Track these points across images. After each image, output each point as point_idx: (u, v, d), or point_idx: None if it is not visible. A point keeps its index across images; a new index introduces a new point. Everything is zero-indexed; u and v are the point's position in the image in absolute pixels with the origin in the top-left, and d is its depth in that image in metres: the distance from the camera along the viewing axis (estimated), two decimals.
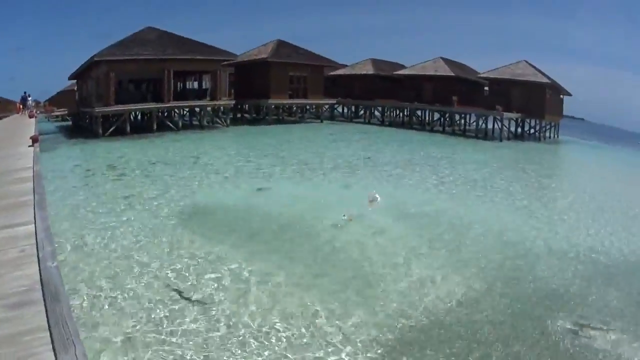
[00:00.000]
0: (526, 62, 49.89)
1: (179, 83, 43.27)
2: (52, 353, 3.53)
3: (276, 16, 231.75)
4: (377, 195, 16.71)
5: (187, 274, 10.32)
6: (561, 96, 53.89)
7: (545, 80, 46.82)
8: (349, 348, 7.83)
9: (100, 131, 32.81)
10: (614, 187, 28.22)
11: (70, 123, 46.14)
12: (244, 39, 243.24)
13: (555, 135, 56.09)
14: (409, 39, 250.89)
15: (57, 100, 54.49)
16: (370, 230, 14.02)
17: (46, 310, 4.18)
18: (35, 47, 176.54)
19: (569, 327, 8.88)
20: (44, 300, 4.37)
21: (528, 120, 50.97)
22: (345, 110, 60.79)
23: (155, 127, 36.02)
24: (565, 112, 59.21)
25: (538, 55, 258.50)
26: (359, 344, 7.95)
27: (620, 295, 10.47)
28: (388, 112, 59.62)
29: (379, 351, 7.77)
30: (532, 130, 52.22)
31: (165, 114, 38.48)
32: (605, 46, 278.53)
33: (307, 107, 52.94)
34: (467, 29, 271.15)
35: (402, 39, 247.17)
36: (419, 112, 56.22)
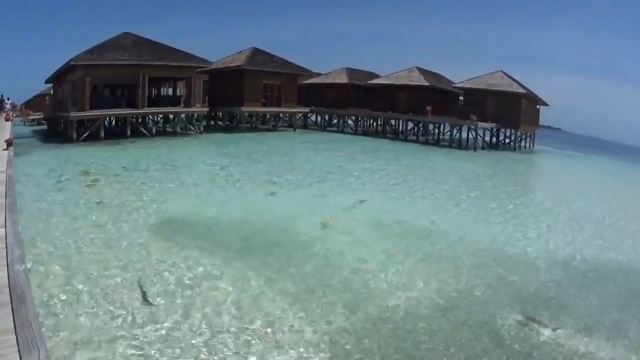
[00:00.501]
0: (502, 72, 51.71)
1: (153, 89, 43.79)
2: (18, 355, 3.62)
3: (253, 24, 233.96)
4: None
5: (154, 279, 10.72)
6: (537, 106, 55.85)
7: (521, 90, 48.56)
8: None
9: (75, 136, 33.18)
10: (585, 195, 29.83)
11: (45, 127, 46.25)
12: (219, 47, 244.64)
13: (531, 145, 58.07)
14: (385, 48, 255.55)
15: (34, 103, 54.39)
16: (342, 235, 14.94)
17: (12, 313, 4.28)
18: (13, 49, 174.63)
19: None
20: (11, 303, 4.47)
21: (503, 130, 52.63)
22: (319, 119, 61.88)
23: (129, 133, 36.47)
24: (542, 122, 61.56)
25: (516, 66, 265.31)
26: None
27: (591, 298, 11.48)
28: (361, 121, 60.84)
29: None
30: (507, 140, 53.89)
31: (139, 120, 38.98)
32: (584, 57, 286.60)
33: (281, 115, 53.82)
34: (446, 40, 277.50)
35: (379, 48, 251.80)
36: (392, 122, 57.54)
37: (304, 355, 8.02)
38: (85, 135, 33.74)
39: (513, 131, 52.85)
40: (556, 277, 12.69)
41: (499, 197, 24.90)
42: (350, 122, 61.39)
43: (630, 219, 22.07)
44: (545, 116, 77.97)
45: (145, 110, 38.16)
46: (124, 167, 24.62)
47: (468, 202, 22.59)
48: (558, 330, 9.60)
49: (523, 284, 12.05)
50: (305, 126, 58.73)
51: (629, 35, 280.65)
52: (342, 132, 57.78)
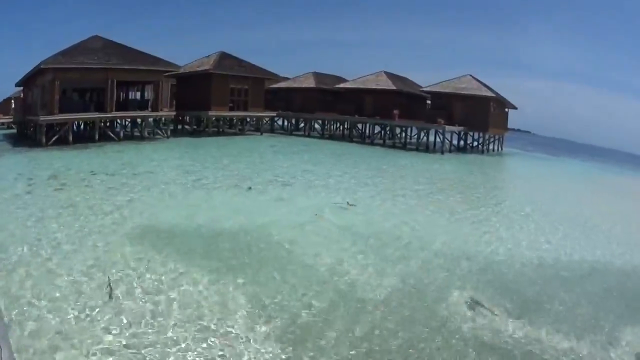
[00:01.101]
0: (471, 76, 53.68)
1: (121, 93, 44.41)
2: None
3: (222, 29, 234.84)
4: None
5: (121, 282, 11.18)
6: (506, 110, 58.00)
7: (489, 94, 50.56)
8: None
9: (44, 140, 33.72)
10: (546, 195, 32.10)
11: (15, 131, 46.41)
12: (187, 51, 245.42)
13: (500, 148, 60.37)
14: (353, 53, 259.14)
15: (3, 106, 54.34)
16: (312, 236, 16.06)
17: None
18: None
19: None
20: None
21: (471, 133, 54.59)
22: (286, 123, 63.11)
23: (97, 137, 37.10)
24: (511, 125, 64.09)
25: (486, 70, 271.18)
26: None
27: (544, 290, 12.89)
28: (328, 125, 62.26)
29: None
30: (475, 143, 55.92)
31: (108, 124, 39.67)
32: (554, 61, 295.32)
33: (248, 119, 54.90)
34: (415, 45, 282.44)
35: (347, 53, 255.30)
36: (359, 126, 59.08)
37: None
38: (54, 139, 34.29)
39: (481, 134, 54.87)
40: (508, 273, 14.05)
41: (459, 197, 26.88)
42: (317, 126, 62.80)
43: (595, 219, 24.12)
44: (515, 119, 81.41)
45: (114, 114, 38.83)
46: (92, 172, 25.07)
47: (430, 202, 24.17)
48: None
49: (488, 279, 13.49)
50: (272, 130, 60.01)
51: (597, 40, 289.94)
52: (309, 136, 59.21)
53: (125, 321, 9.29)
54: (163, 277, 11.54)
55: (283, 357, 8.55)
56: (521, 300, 11.97)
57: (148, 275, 11.58)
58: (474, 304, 11.41)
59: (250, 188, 23.07)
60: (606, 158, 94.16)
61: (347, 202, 20.90)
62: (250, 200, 21.17)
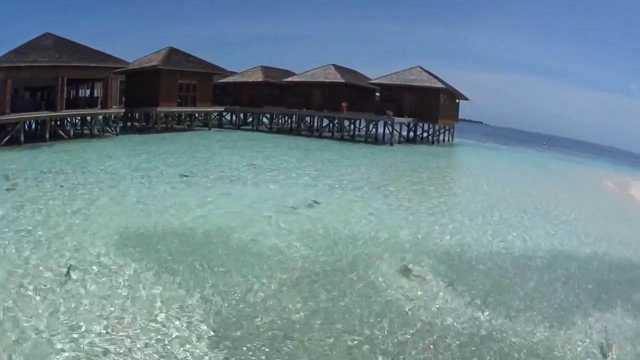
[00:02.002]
0: (421, 68, 56.10)
1: (71, 91, 44.65)
2: None
3: (171, 24, 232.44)
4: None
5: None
6: (457, 100, 60.63)
7: (439, 85, 52.98)
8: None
9: None
10: (488, 184, 35.23)
11: None
12: (137, 47, 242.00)
13: (450, 138, 63.28)
14: (303, 47, 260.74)
15: None
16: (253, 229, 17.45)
17: None
18: None
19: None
20: None
21: (421, 125, 56.93)
22: (234, 117, 64.17)
23: (48, 136, 37.50)
24: (463, 116, 67.18)
25: (438, 63, 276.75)
26: None
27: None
28: (276, 119, 63.66)
29: None
30: (425, 134, 58.36)
31: (58, 122, 40.06)
32: (507, 54, 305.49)
33: (196, 114, 55.80)
34: (366, 38, 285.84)
35: (296, 47, 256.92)
36: (307, 119, 60.73)
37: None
38: (6, 139, 34.56)
39: (431, 125, 57.33)
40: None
41: (401, 185, 30.10)
42: (265, 120, 64.14)
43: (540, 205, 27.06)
44: (468, 110, 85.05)
45: (64, 112, 39.31)
46: (42, 171, 25.69)
47: (370, 192, 26.62)
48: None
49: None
50: (220, 125, 61.10)
51: (548, 31, 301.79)
52: (257, 130, 60.62)
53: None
54: (106, 269, 12.70)
55: None
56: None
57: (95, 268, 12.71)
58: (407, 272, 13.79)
59: (184, 175, 25.33)
60: (560, 147, 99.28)
61: (314, 201, 22.21)
62: (194, 195, 22.45)
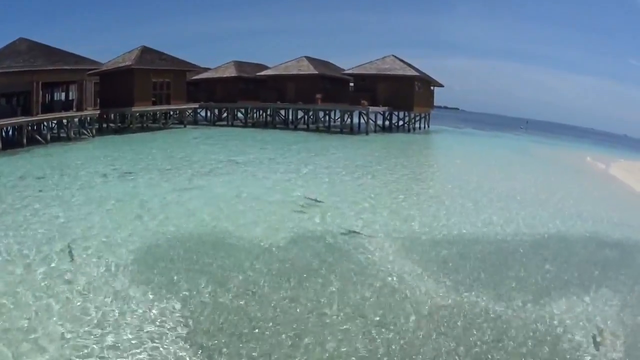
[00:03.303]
0: (394, 56, 56.95)
1: (47, 94, 44.74)
2: None
3: (143, 24, 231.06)
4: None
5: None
6: (432, 88, 61.72)
7: (413, 73, 54.00)
8: None
9: None
10: (464, 170, 36.44)
11: None
12: (110, 48, 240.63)
13: (426, 126, 64.54)
14: (276, 40, 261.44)
15: None
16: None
17: None
18: None
19: None
20: None
21: (396, 113, 57.95)
22: (209, 113, 64.61)
23: (25, 141, 37.72)
24: (440, 103, 68.78)
25: (413, 51, 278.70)
26: None
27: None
28: (251, 113, 64.30)
29: None
30: (400, 122, 59.42)
31: (35, 127, 40.28)
32: (483, 40, 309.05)
33: (171, 112, 56.19)
34: (338, 29, 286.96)
35: (269, 41, 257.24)
36: (282, 112, 61.49)
37: None
38: None
39: (406, 113, 58.40)
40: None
41: (376, 172, 31.02)
42: (240, 115, 64.70)
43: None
44: (444, 97, 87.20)
45: (40, 117, 39.49)
46: (20, 177, 25.83)
47: (350, 179, 28.19)
48: None
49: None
50: (195, 122, 61.52)
51: (527, 18, 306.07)
52: (232, 125, 61.38)
53: None
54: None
55: None
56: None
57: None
58: None
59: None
60: (539, 130, 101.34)
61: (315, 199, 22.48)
62: (173, 192, 23.05)
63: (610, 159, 51.71)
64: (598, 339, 10.45)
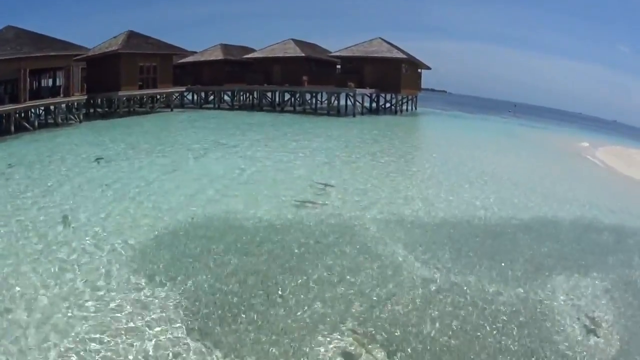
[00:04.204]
0: (381, 39, 57.28)
1: (34, 81, 44.62)
2: None
3: (130, 9, 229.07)
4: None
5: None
6: (419, 70, 62.09)
7: (400, 55, 54.30)
8: None
9: None
10: (449, 152, 37.22)
11: None
12: (98, 33, 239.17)
13: (413, 108, 64.90)
14: (264, 23, 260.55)
15: None
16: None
17: None
18: None
19: None
20: None
21: (383, 95, 58.33)
22: (195, 97, 64.64)
23: (13, 128, 37.76)
24: (427, 85, 69.19)
25: (401, 34, 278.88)
26: None
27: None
28: (237, 96, 64.40)
29: None
30: (388, 105, 59.83)
31: (22, 114, 40.26)
32: (472, 24, 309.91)
33: (158, 96, 56.16)
34: (329, 12, 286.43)
35: (257, 24, 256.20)
36: (269, 94, 61.65)
37: None
38: None
39: (394, 95, 58.79)
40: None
41: (362, 155, 31.65)
42: (226, 97, 64.79)
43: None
44: (431, 80, 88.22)
45: (27, 104, 39.47)
46: (9, 164, 25.86)
47: (334, 163, 28.49)
48: None
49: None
50: (182, 105, 61.51)
51: (517, 2, 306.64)
52: (219, 108, 61.52)
53: None
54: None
55: None
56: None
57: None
58: None
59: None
60: (527, 114, 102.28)
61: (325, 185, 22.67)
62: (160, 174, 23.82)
63: (598, 144, 52.52)
64: (585, 322, 11.11)
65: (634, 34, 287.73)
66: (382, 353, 9.43)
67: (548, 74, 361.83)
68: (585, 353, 9.85)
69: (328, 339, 9.79)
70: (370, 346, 9.61)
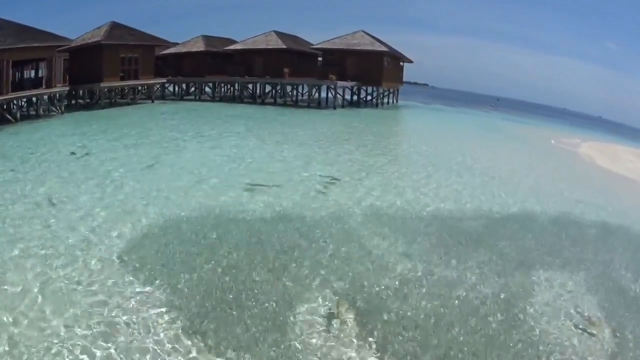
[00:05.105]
0: (363, 32, 57.71)
1: (17, 73, 44.27)
2: None
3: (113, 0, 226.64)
4: None
5: None
6: (401, 63, 62.59)
7: (382, 48, 54.72)
8: None
9: None
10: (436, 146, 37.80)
11: None
12: (81, 24, 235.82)
13: (395, 101, 65.51)
14: (244, 16, 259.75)
15: None
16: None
17: None
18: None
19: None
20: None
21: (364, 88, 58.79)
22: (176, 88, 64.47)
23: None
24: (410, 79, 69.81)
25: (384, 27, 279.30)
26: None
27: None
28: (218, 88, 64.41)
29: None
30: (369, 97, 60.31)
31: (5, 106, 40.02)
32: (454, 15, 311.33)
33: (139, 88, 56.01)
34: (311, 4, 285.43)
35: (240, 16, 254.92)
36: (250, 86, 61.79)
37: None
38: None
39: (375, 88, 59.27)
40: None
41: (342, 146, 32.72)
42: (207, 89, 64.76)
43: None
44: (413, 73, 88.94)
45: (10, 95, 39.25)
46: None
47: (314, 154, 29.23)
48: None
49: None
50: (163, 97, 61.29)
51: None
52: (199, 100, 61.50)
53: None
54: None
55: None
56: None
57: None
58: None
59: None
60: (510, 109, 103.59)
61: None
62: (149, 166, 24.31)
63: (583, 140, 53.66)
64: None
65: (622, 30, 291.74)
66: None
67: (533, 69, 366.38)
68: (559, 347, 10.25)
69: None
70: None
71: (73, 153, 27.13)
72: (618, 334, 10.90)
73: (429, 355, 9.58)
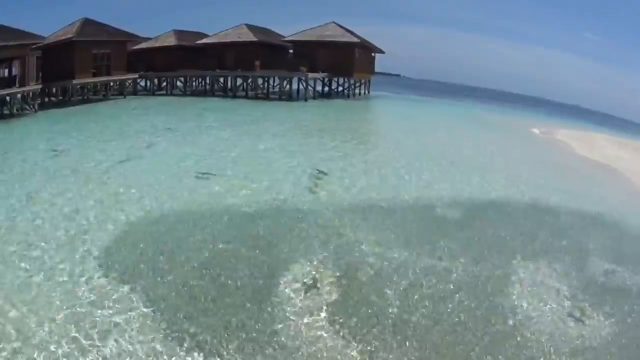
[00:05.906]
0: (335, 23, 58.28)
1: None
2: None
3: None
4: None
5: None
6: (373, 54, 63.29)
7: (354, 39, 55.41)
8: None
9: None
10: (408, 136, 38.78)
11: None
12: (53, 21, 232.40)
13: (366, 92, 66.24)
14: (217, 11, 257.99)
15: None
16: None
17: None
18: None
19: None
20: None
21: (336, 79, 59.45)
22: (148, 83, 64.39)
23: None
24: (382, 70, 70.42)
25: (356, 20, 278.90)
26: None
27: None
28: (190, 82, 64.53)
29: None
30: (340, 88, 61.01)
31: None
32: (428, 8, 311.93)
33: (111, 84, 55.98)
34: None
35: (211, 10, 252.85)
36: (221, 79, 62.09)
37: None
38: None
39: (346, 79, 59.97)
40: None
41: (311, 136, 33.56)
42: (179, 83, 64.83)
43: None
44: (386, 63, 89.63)
45: None
46: None
47: (286, 146, 29.92)
48: None
49: None
50: (135, 92, 61.15)
51: None
52: (171, 94, 61.64)
53: None
54: None
55: None
56: None
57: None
58: None
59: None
60: (485, 98, 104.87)
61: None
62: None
63: (559, 128, 54.88)
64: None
65: (600, 20, 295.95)
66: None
67: (510, 59, 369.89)
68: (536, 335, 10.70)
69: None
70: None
71: (53, 150, 27.24)
72: (600, 319, 11.52)
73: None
